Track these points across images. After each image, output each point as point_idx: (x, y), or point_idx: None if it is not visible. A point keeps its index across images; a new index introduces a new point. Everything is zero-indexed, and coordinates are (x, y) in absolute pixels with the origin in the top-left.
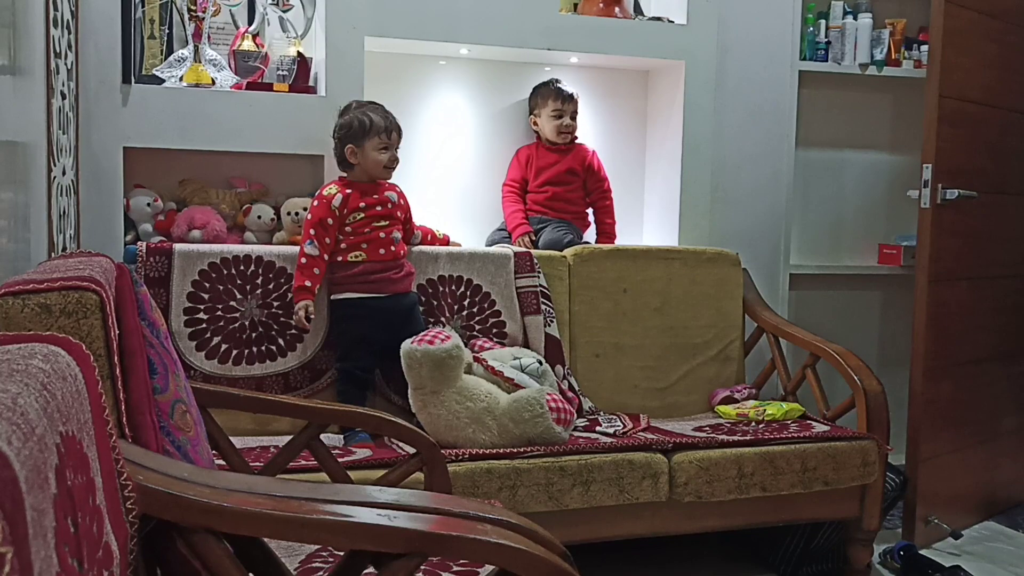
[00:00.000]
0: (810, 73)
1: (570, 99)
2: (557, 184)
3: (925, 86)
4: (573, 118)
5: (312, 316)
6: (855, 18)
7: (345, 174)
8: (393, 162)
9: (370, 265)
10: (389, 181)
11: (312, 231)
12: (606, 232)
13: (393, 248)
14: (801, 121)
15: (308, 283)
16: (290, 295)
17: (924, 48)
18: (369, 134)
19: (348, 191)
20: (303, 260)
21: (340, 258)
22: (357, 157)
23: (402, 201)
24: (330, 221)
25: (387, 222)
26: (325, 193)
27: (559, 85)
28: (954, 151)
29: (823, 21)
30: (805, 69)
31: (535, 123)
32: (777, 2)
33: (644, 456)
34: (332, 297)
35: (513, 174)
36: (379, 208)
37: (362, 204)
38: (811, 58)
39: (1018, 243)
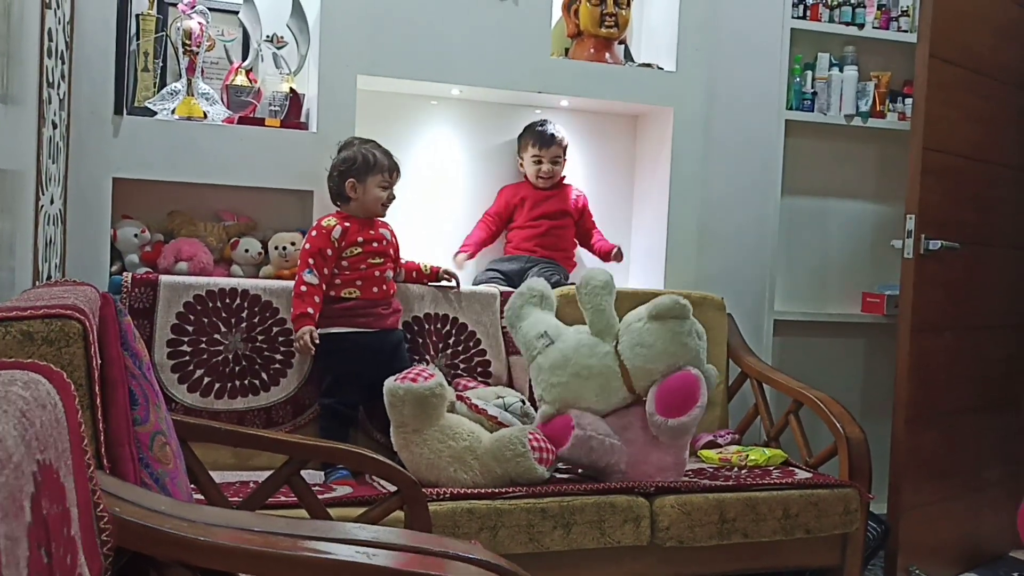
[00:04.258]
0: (796, 122)
1: (550, 144)
2: (552, 218)
3: (909, 138)
4: (555, 163)
5: (317, 341)
6: (841, 70)
7: (338, 207)
8: (390, 200)
9: (362, 302)
10: (382, 219)
11: (311, 260)
12: (599, 242)
13: (385, 287)
14: (787, 169)
15: (310, 310)
16: (275, 329)
17: (908, 101)
18: (373, 171)
19: (347, 224)
20: (303, 288)
21: (333, 293)
22: (357, 192)
23: (394, 239)
24: (329, 252)
25: (381, 259)
26: (324, 224)
27: (542, 128)
28: (937, 202)
29: (810, 72)
30: (791, 118)
31: (521, 164)
32: (765, 52)
33: (626, 499)
34: (319, 331)
35: (496, 207)
36: (375, 245)
37: (360, 239)
38: (797, 108)
39: (1001, 295)
